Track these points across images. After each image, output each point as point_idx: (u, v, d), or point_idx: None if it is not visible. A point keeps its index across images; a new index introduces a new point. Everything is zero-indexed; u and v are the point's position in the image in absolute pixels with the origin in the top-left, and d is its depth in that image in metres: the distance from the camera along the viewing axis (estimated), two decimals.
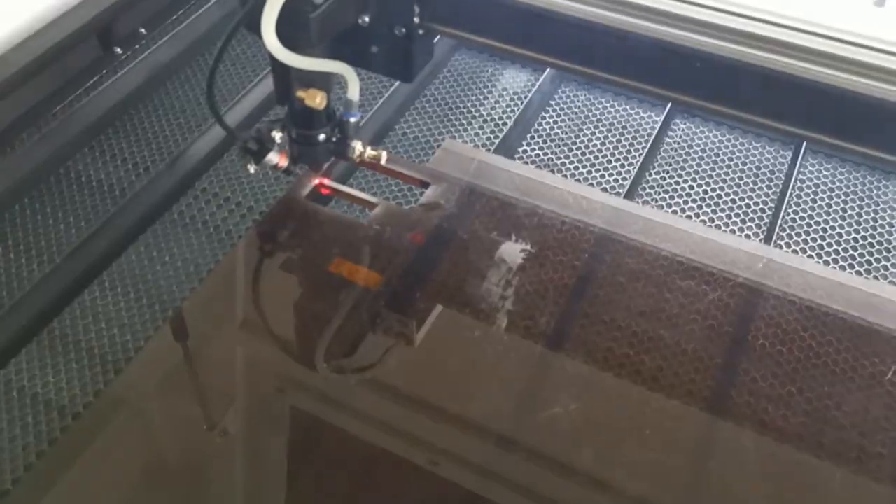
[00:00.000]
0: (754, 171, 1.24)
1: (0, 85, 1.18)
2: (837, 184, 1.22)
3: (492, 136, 1.29)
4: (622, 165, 1.25)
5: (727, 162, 1.25)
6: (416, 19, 0.84)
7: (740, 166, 1.25)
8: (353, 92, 0.88)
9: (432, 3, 0.83)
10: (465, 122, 1.31)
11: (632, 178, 1.22)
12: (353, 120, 0.91)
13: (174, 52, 1.37)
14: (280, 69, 0.84)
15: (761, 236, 1.15)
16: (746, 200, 1.20)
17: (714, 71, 0.74)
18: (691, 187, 1.22)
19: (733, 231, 1.16)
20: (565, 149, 1.27)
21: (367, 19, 0.84)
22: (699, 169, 1.24)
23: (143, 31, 1.42)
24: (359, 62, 0.90)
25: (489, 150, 1.26)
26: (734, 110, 0.78)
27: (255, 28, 0.77)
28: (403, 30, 0.84)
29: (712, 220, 1.17)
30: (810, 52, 0.71)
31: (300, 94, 0.85)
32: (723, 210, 1.19)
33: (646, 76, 0.79)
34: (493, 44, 0.86)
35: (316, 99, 0.85)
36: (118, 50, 1.38)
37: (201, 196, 1.18)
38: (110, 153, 1.24)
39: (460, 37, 0.87)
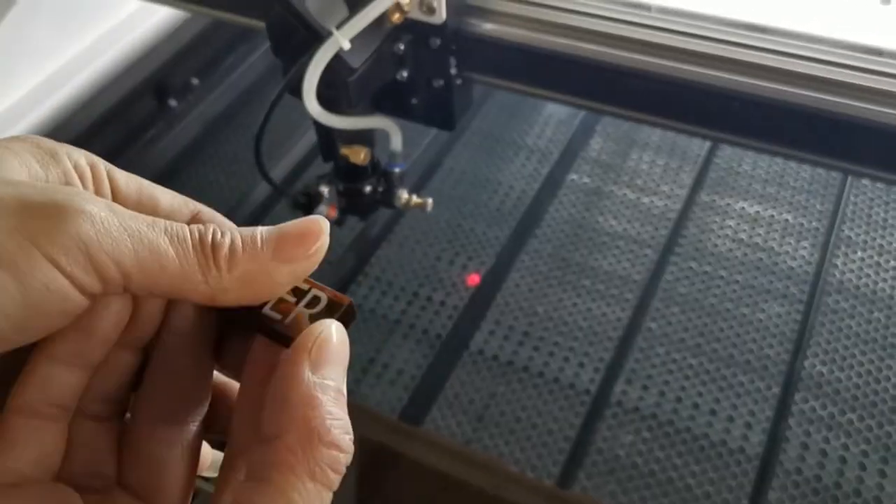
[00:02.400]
0: (806, 187, 1.22)
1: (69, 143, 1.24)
2: (893, 196, 1.20)
3: (539, 165, 1.30)
4: (671, 189, 1.24)
5: (778, 180, 1.24)
6: (454, 70, 0.86)
7: (792, 184, 1.23)
8: (396, 144, 0.90)
9: (468, 54, 0.84)
10: (511, 153, 1.32)
11: (683, 200, 1.22)
12: (397, 170, 0.93)
13: (225, 102, 1.41)
14: (323, 130, 0.86)
15: (816, 255, 1.13)
16: (800, 219, 1.18)
17: (754, 110, 0.74)
18: (743, 208, 1.21)
19: (787, 251, 1.14)
20: (613, 174, 1.28)
21: (405, 74, 0.86)
22: (750, 188, 1.23)
23: (195, 81, 1.47)
24: (400, 113, 0.92)
25: (536, 181, 1.27)
26: (778, 147, 0.77)
27: (297, 93, 0.79)
28: (441, 81, 0.86)
29: (765, 240, 1.16)
30: (851, 87, 0.70)
31: (344, 151, 0.88)
32: (776, 230, 1.17)
33: (685, 117, 0.80)
34: (531, 90, 0.87)
35: (360, 155, 0.87)
36: (173, 102, 1.43)
37: None
38: None
39: (498, 84, 0.89)
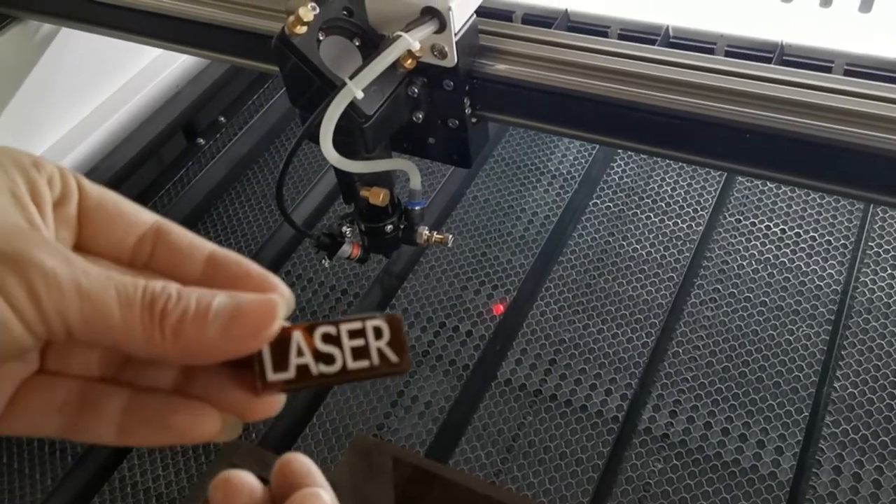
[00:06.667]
0: (833, 204, 1.21)
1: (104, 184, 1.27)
2: None
3: (561, 191, 1.30)
4: (695, 210, 1.24)
5: (804, 198, 1.23)
6: (468, 111, 0.87)
7: (818, 201, 1.22)
8: (416, 183, 0.91)
9: (481, 95, 0.85)
10: (533, 179, 1.33)
11: (706, 222, 1.22)
12: (417, 209, 0.94)
13: (252, 140, 1.44)
14: (342, 173, 0.88)
15: (844, 274, 1.12)
16: (827, 237, 1.17)
17: (766, 141, 0.74)
18: (768, 227, 1.20)
19: (815, 270, 1.14)
20: (636, 198, 1.28)
21: (420, 116, 0.87)
22: (775, 208, 1.22)
23: (222, 119, 1.50)
24: (417, 152, 0.93)
25: (560, 206, 1.27)
26: (794, 177, 0.77)
27: (316, 139, 0.81)
28: (457, 122, 0.87)
29: (792, 260, 1.15)
30: (867, 116, 0.70)
31: (364, 193, 0.89)
32: (802, 249, 1.16)
33: (702, 150, 0.80)
34: (546, 128, 0.88)
35: (379, 197, 0.88)
36: (201, 140, 1.46)
37: (285, 279, 1.24)
38: None
39: (513, 122, 0.90)
